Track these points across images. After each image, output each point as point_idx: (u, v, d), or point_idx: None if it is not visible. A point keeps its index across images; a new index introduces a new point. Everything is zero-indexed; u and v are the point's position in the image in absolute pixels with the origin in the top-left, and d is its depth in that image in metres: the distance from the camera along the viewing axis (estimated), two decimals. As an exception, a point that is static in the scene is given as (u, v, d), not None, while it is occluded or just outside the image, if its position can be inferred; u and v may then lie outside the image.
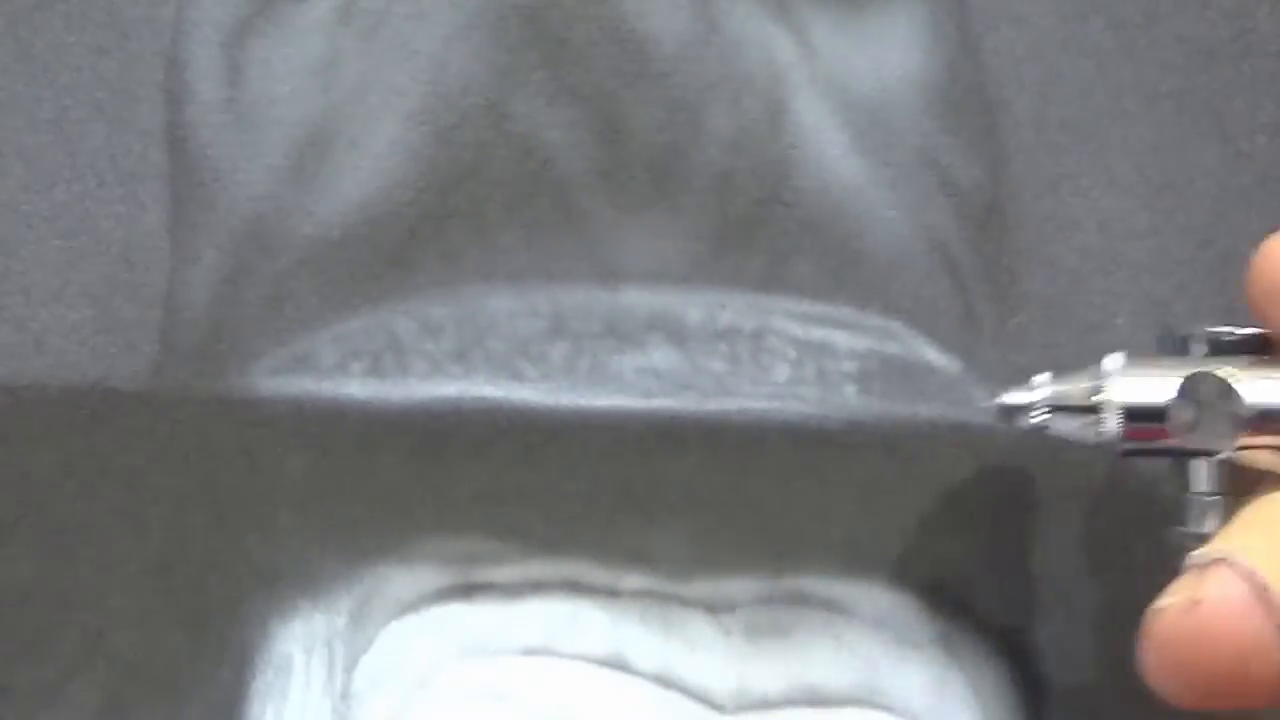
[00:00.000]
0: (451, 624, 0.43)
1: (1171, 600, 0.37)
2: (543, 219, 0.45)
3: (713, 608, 0.44)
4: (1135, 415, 0.39)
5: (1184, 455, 0.39)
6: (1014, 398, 0.40)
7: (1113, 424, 0.39)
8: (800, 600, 0.44)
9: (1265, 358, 0.39)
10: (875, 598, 0.44)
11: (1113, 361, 0.39)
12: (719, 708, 0.43)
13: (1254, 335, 0.39)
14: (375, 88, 0.44)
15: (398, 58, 0.44)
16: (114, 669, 0.42)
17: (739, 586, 0.44)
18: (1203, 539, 0.38)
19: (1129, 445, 0.39)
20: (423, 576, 0.43)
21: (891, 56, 0.46)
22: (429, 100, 0.44)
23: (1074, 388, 0.39)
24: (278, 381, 0.44)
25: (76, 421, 0.43)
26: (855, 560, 0.44)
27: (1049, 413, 0.40)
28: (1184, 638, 0.36)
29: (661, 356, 0.44)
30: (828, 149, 0.45)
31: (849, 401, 0.44)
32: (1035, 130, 0.45)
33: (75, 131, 0.44)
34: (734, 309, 0.45)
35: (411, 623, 0.43)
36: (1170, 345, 0.40)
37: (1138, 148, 0.45)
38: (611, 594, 0.43)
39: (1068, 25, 0.46)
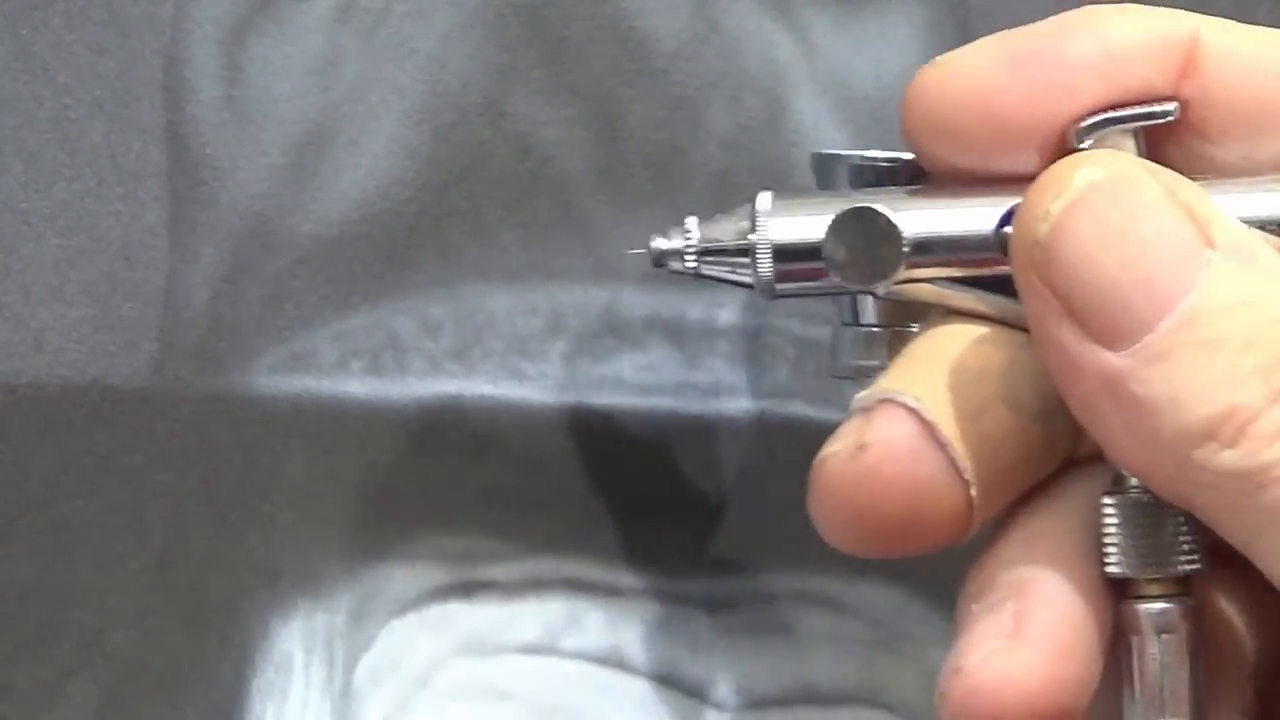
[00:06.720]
0: (452, 622, 0.43)
1: (837, 446, 0.35)
2: (541, 217, 0.45)
3: (712, 606, 0.44)
4: (787, 255, 0.36)
5: (841, 294, 0.37)
6: (664, 242, 0.37)
7: (765, 265, 0.36)
8: (800, 599, 0.44)
9: (917, 187, 0.36)
10: (874, 597, 0.44)
11: (763, 200, 0.36)
12: (718, 706, 0.43)
13: (908, 162, 0.37)
14: (374, 86, 0.44)
15: (397, 56, 0.44)
16: (114, 667, 0.42)
17: (738, 585, 0.44)
18: (871, 371, 0.36)
19: (783, 286, 0.36)
20: (423, 575, 0.43)
21: (891, 55, 0.46)
22: (428, 99, 0.44)
23: (724, 229, 0.37)
24: (277, 380, 0.44)
25: (76, 420, 0.43)
26: (854, 559, 0.44)
27: (700, 256, 0.37)
28: (852, 485, 0.34)
29: (660, 355, 0.44)
30: (827, 147, 0.45)
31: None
32: (1034, 129, 0.45)
33: (75, 130, 0.44)
34: (732, 307, 0.45)
35: (412, 621, 0.43)
36: (824, 169, 0.38)
37: (1136, 146, 0.45)
38: (611, 592, 0.43)
39: (1066, 23, 0.46)
